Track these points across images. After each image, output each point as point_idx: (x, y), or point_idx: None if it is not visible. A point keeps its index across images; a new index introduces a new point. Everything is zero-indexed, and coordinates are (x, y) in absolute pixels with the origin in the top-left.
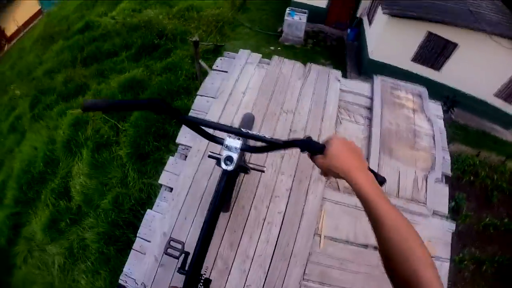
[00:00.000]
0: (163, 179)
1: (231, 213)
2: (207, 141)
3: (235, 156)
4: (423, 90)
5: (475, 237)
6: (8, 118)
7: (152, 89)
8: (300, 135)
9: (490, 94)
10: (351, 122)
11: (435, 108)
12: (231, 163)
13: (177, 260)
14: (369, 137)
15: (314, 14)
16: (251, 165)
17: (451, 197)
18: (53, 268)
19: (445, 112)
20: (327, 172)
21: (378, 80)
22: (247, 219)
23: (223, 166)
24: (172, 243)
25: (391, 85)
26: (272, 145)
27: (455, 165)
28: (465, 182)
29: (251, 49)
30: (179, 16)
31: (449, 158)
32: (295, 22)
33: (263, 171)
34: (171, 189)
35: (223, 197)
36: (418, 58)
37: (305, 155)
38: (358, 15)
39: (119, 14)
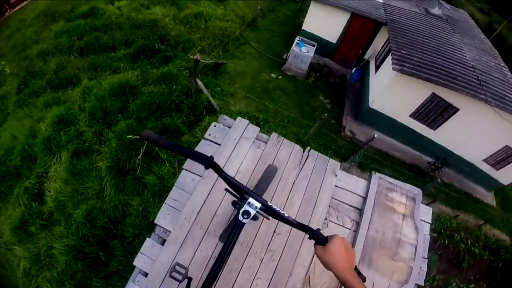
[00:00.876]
0: (138, 261)
1: None
2: (187, 227)
3: (253, 212)
4: (418, 193)
5: None
6: None
7: (143, 100)
8: (284, 238)
9: (480, 159)
10: (338, 225)
11: (425, 213)
12: (248, 217)
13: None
14: (352, 245)
15: (322, 47)
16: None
17: None
18: (18, 270)
19: (432, 170)
20: (321, 262)
21: (376, 178)
22: None
23: (240, 218)
24: (177, 267)
25: (387, 186)
26: (287, 221)
27: (432, 225)
28: (439, 244)
29: (252, 73)
30: (186, 22)
31: (425, 268)
32: (302, 55)
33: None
34: (146, 274)
35: (234, 243)
36: (417, 115)
37: (284, 261)
38: (366, 57)
39: (126, 6)
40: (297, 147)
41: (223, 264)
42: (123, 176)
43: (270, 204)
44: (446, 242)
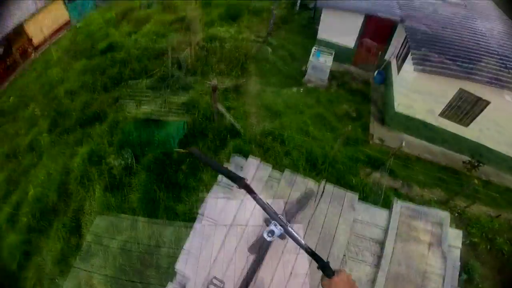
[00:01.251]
0: None
1: None
2: (205, 274)
3: (278, 232)
4: (445, 216)
5: None
6: (28, 135)
7: (168, 131)
8: (300, 280)
9: None
10: (357, 261)
11: (455, 237)
12: (273, 236)
13: None
14: (373, 281)
15: (341, 53)
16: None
17: (462, 268)
18: None
19: (469, 170)
20: None
21: (397, 207)
22: None
23: (265, 236)
24: (214, 280)
25: (410, 214)
26: (302, 247)
27: (473, 229)
28: (481, 249)
29: (273, 89)
30: (201, 46)
31: None
32: (320, 65)
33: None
34: None
35: (262, 260)
36: (447, 113)
37: None
38: (386, 58)
39: (144, 36)
40: (311, 183)
41: (255, 273)
42: (154, 206)
43: (290, 229)
44: (489, 247)
